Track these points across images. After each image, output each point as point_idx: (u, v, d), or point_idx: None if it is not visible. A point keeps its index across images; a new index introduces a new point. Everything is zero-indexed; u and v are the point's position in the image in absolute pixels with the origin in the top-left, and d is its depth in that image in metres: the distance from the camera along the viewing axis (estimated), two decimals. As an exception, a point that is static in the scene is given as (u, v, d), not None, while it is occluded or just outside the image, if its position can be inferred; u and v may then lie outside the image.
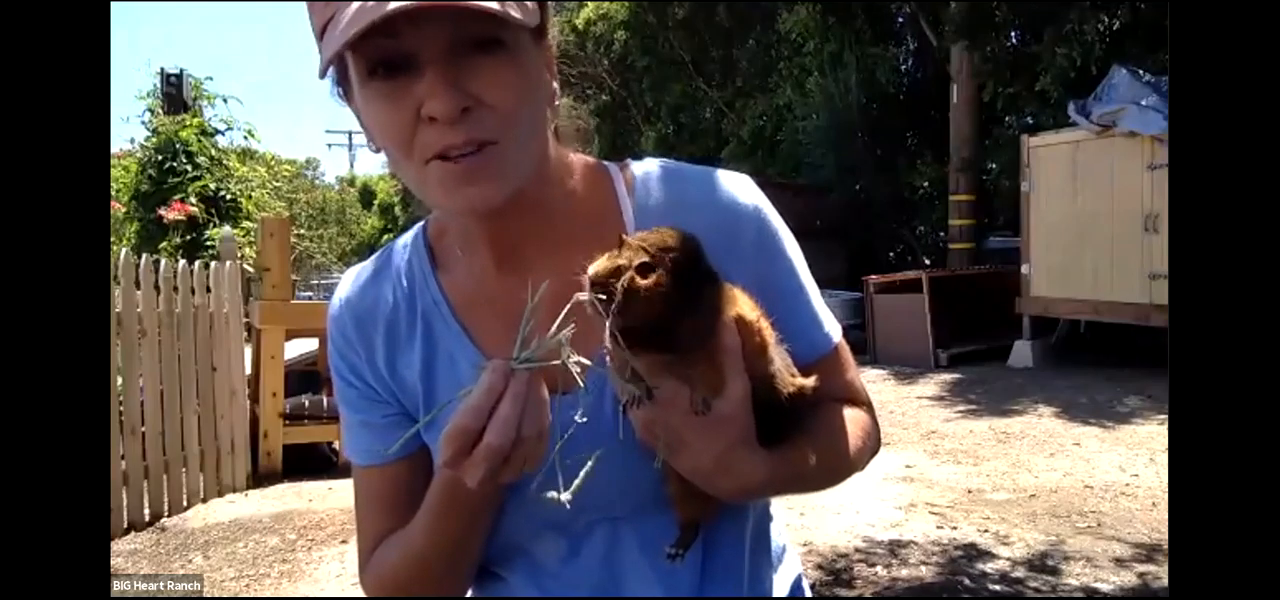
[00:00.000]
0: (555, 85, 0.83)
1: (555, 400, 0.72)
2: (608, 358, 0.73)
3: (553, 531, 0.84)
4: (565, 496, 0.69)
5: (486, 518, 0.82)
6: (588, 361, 0.70)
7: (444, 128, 0.71)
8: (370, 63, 0.72)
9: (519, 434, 0.67)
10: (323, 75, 0.75)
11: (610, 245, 0.71)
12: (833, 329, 0.90)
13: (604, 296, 0.67)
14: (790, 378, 0.78)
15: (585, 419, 0.72)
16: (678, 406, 0.72)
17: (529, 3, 0.74)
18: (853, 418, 0.88)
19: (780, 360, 0.78)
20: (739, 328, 0.73)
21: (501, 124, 0.73)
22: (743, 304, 0.75)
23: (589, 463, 0.71)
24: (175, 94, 10.58)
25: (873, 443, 0.90)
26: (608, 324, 0.67)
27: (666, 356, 0.71)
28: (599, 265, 0.69)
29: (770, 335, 0.76)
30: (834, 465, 0.86)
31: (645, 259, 0.68)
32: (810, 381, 0.80)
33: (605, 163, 0.90)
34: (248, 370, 5.33)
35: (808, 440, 0.81)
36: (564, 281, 0.70)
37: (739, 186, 0.87)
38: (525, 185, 0.77)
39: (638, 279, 0.67)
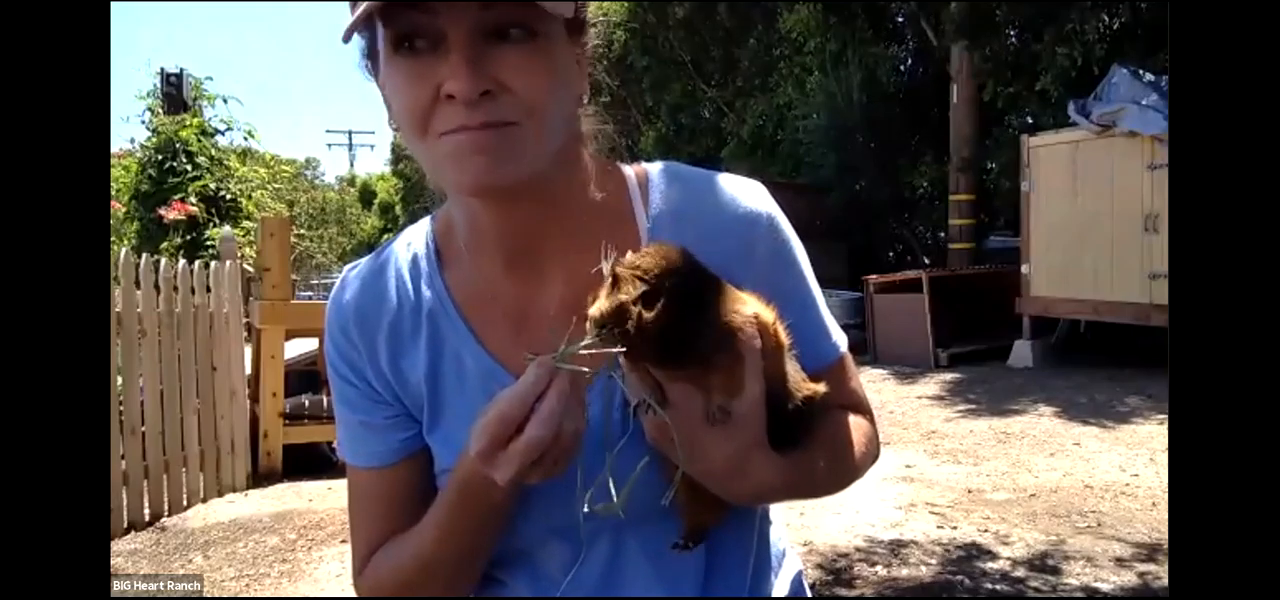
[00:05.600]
0: (586, 85, 0.82)
1: None
2: (621, 363, 0.73)
3: (558, 538, 0.83)
4: (617, 504, 0.69)
5: (500, 523, 0.80)
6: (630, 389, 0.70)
7: (461, 108, 0.70)
8: (398, 34, 0.72)
9: (558, 432, 0.66)
10: (347, 39, 0.74)
11: (623, 248, 0.71)
12: (839, 338, 0.90)
13: (617, 330, 0.67)
14: (802, 381, 0.78)
15: (630, 426, 0.73)
16: (691, 411, 0.71)
17: None
18: (857, 425, 0.88)
19: (792, 364, 0.78)
20: (758, 328, 0.73)
21: (523, 109, 0.72)
22: (760, 306, 0.75)
23: (638, 468, 0.71)
24: (175, 94, 10.58)
25: (874, 450, 0.91)
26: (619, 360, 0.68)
27: (685, 369, 0.71)
28: (602, 306, 0.68)
29: (786, 338, 0.76)
30: (841, 471, 0.86)
31: (646, 289, 0.67)
32: (820, 386, 0.80)
33: (619, 165, 0.89)
34: (248, 370, 5.32)
35: (817, 445, 0.81)
36: (579, 283, 0.70)
37: (753, 194, 0.87)
38: (541, 178, 0.76)
39: (645, 314, 0.67)
